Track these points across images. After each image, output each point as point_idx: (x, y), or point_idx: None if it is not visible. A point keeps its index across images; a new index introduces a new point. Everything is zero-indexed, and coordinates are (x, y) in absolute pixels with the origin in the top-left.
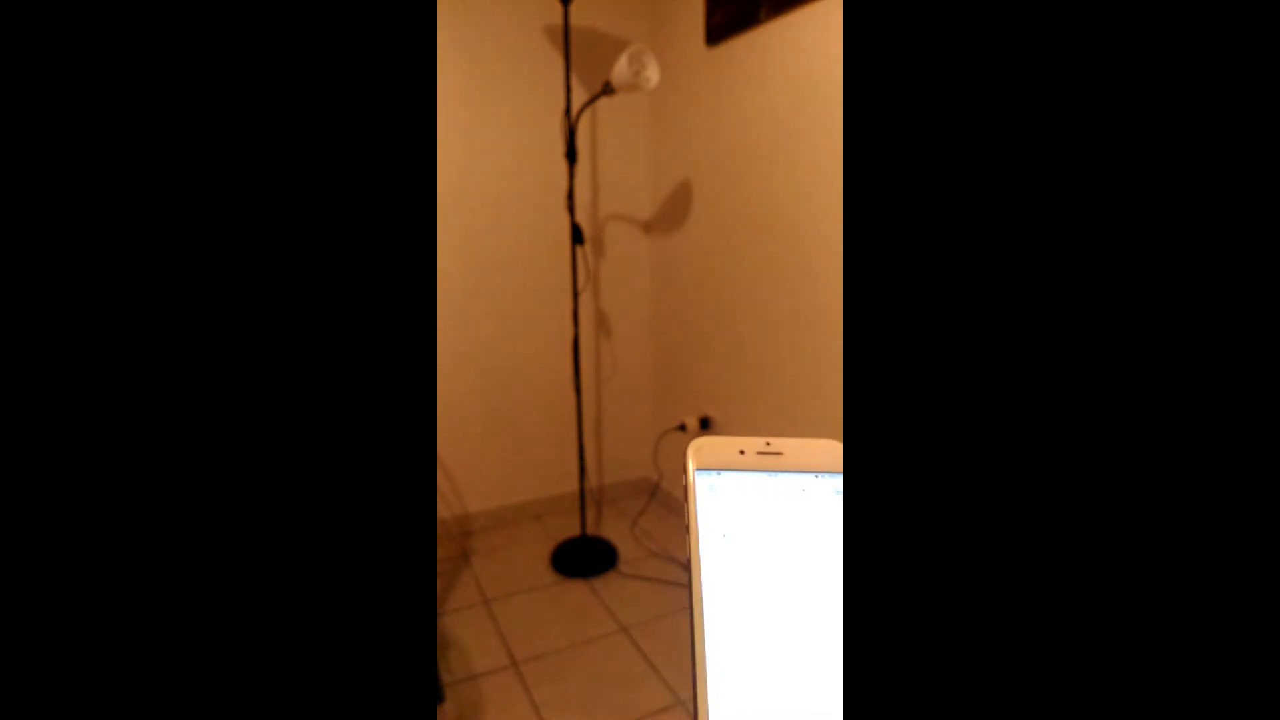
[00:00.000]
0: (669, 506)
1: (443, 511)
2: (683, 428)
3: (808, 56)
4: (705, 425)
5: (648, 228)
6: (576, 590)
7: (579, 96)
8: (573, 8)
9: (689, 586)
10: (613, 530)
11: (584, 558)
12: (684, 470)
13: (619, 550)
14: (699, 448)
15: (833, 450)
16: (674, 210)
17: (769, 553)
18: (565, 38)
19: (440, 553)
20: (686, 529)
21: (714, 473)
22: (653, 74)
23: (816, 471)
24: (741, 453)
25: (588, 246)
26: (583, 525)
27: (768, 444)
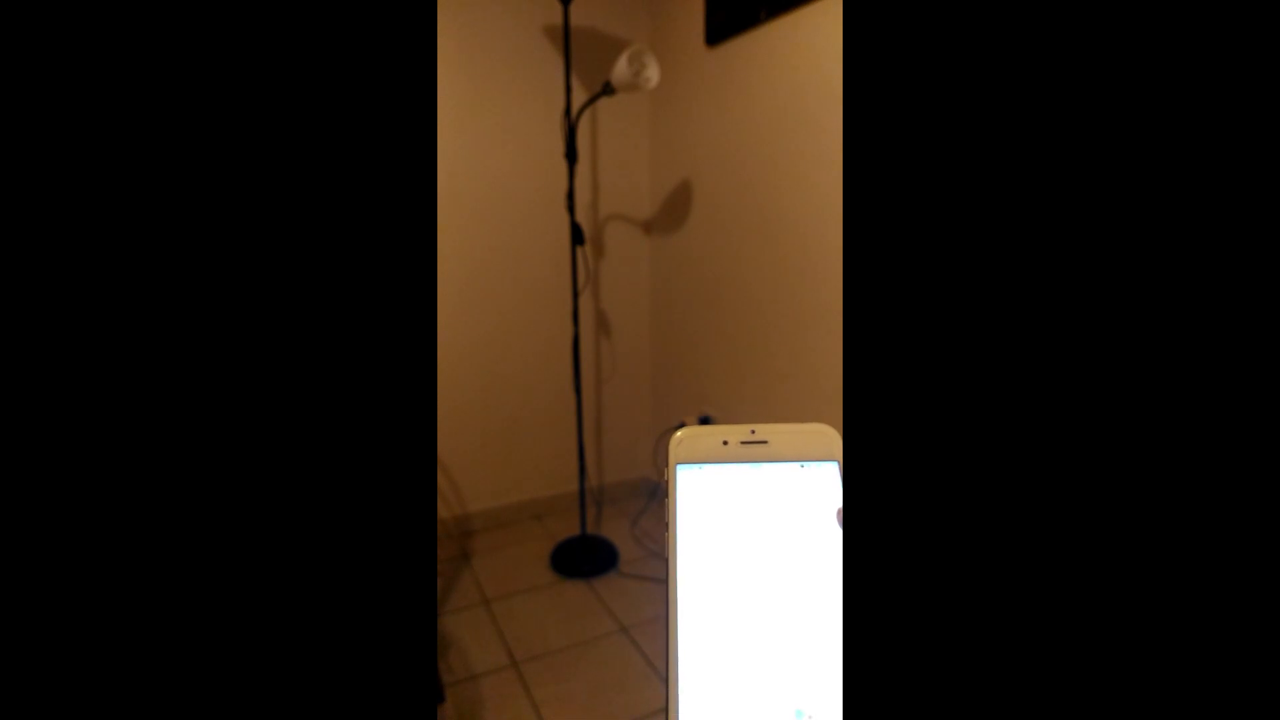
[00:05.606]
0: None
1: (443, 511)
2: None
3: (808, 57)
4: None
5: (648, 228)
6: (576, 590)
7: (579, 96)
8: (573, 8)
9: (666, 587)
10: (613, 530)
11: (584, 558)
12: (666, 464)
13: (619, 550)
14: (680, 440)
15: (822, 436)
16: (674, 210)
17: (750, 549)
18: (565, 38)
19: (440, 553)
20: (666, 526)
21: (696, 466)
22: (653, 74)
23: (803, 460)
24: (725, 443)
25: (588, 246)
26: (583, 525)
27: (753, 432)
